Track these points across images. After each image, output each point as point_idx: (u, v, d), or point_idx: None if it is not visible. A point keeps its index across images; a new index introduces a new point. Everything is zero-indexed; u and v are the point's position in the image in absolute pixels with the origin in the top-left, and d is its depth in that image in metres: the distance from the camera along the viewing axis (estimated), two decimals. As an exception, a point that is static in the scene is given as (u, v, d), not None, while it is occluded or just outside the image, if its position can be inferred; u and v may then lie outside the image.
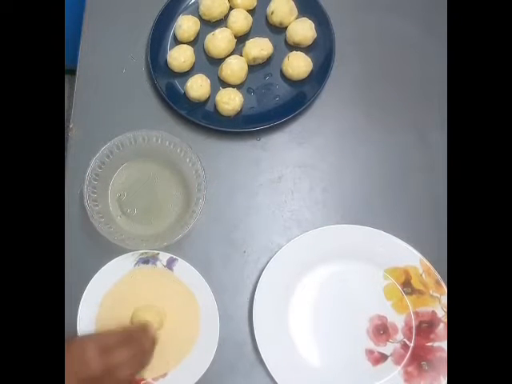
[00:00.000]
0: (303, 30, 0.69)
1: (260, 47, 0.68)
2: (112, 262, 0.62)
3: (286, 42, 0.71)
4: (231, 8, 0.72)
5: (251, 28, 0.71)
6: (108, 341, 0.56)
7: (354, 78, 0.71)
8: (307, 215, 0.66)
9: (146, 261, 0.63)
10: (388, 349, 0.61)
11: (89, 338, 0.57)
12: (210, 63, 0.71)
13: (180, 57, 0.68)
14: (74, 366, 0.52)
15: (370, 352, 0.61)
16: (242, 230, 0.65)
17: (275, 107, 0.69)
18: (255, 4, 0.72)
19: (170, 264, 0.62)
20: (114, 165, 0.64)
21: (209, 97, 0.69)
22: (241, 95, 0.67)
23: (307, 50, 0.70)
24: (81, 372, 0.52)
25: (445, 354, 0.60)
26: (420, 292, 0.62)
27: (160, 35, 0.71)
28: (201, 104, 0.68)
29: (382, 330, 0.62)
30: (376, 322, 0.62)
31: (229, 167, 0.68)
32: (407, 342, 0.62)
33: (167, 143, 0.63)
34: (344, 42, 0.70)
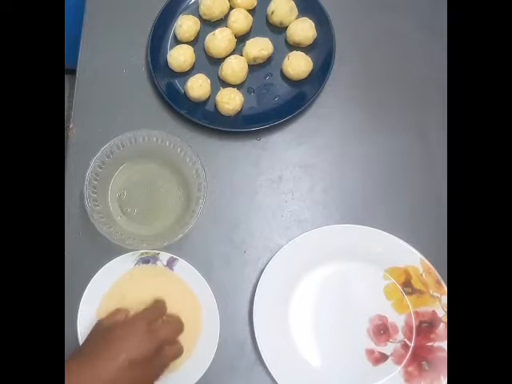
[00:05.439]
0: (303, 29, 0.69)
1: (260, 47, 0.68)
2: (112, 261, 0.62)
3: (286, 41, 0.71)
4: (231, 8, 0.72)
5: (251, 28, 0.71)
6: (151, 318, 0.56)
7: (354, 78, 0.71)
8: (307, 215, 0.66)
9: (146, 260, 0.63)
10: (388, 349, 0.61)
11: (135, 317, 0.57)
12: (210, 63, 0.70)
13: (180, 57, 0.68)
14: (127, 347, 0.52)
15: (370, 352, 0.61)
16: (242, 230, 0.65)
17: (275, 107, 0.69)
18: (255, 4, 0.72)
19: (170, 264, 0.62)
20: (114, 165, 0.64)
21: (209, 97, 0.69)
22: (241, 95, 0.67)
23: (307, 49, 0.70)
24: (136, 353, 0.52)
25: (445, 354, 0.60)
26: (420, 292, 0.62)
27: (160, 35, 0.71)
28: (201, 104, 0.68)
29: (382, 330, 0.62)
30: (376, 322, 0.62)
31: (229, 167, 0.67)
32: (407, 342, 0.62)
33: (167, 143, 0.63)
34: (344, 42, 0.70)
